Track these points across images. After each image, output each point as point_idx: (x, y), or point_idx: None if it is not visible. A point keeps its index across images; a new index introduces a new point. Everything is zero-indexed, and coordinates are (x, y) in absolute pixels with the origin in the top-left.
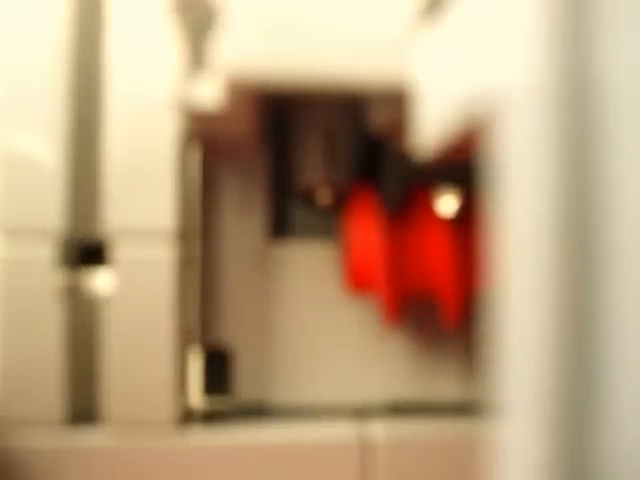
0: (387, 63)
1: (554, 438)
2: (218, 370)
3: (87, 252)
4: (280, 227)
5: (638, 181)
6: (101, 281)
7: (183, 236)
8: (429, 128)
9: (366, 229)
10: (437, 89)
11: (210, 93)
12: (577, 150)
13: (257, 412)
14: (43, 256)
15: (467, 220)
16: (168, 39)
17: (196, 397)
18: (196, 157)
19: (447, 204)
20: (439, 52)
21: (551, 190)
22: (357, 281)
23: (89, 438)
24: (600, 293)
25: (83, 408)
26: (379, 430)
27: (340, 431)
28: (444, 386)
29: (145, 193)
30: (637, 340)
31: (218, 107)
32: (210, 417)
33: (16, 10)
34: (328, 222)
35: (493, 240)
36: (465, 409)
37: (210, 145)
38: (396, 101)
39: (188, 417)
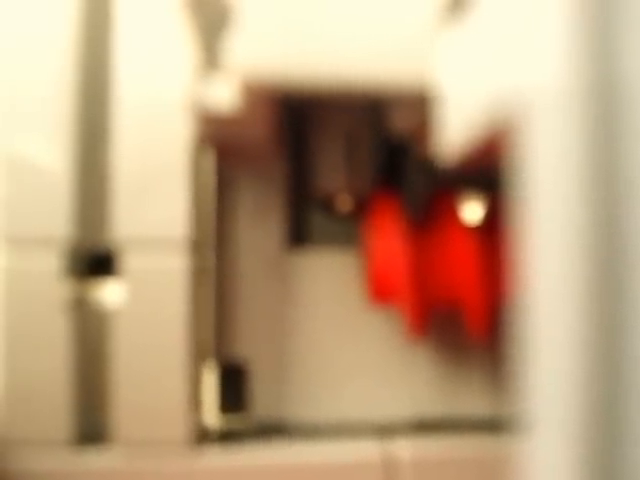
0: (409, 64)
1: (584, 453)
2: (234, 386)
3: (95, 262)
4: (298, 235)
5: None
6: (110, 292)
7: (196, 245)
8: (453, 132)
9: (388, 237)
10: (461, 91)
11: (225, 95)
12: (606, 153)
13: (275, 431)
14: (49, 266)
15: (493, 227)
16: (180, 39)
17: (211, 415)
18: (210, 162)
19: (472, 211)
20: (462, 54)
21: (580, 195)
22: (379, 291)
23: (98, 459)
24: (631, 302)
25: (91, 427)
26: (404, 448)
27: (363, 449)
28: (470, 401)
29: (156, 200)
30: None
31: (233, 109)
32: (226, 436)
33: (23, 13)
34: (348, 230)
35: (521, 248)
36: (492, 425)
37: (225, 149)
38: (419, 104)
39: (203, 436)
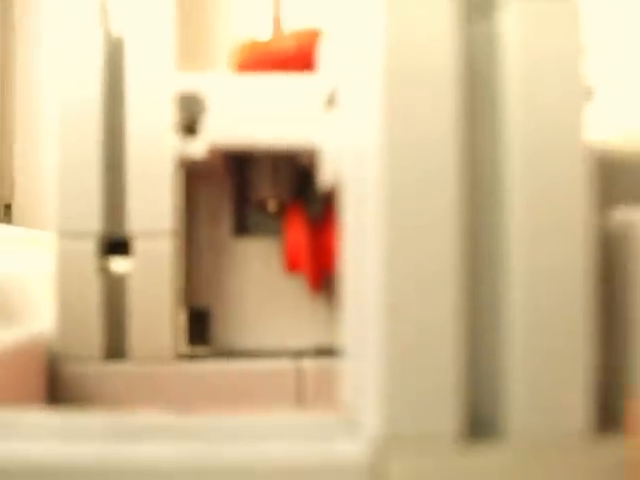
0: (306, 132)
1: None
2: (199, 326)
3: (116, 245)
4: (241, 227)
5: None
6: (125, 264)
7: (176, 233)
8: (326, 171)
9: (298, 229)
10: (330, 148)
11: (197, 151)
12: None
13: (227, 355)
14: (87, 248)
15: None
16: (172, 116)
17: (184, 345)
18: (181, 178)
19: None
20: (332, 127)
21: (361, 214)
22: (292, 263)
23: (119, 367)
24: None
25: (114, 347)
26: (309, 364)
27: (283, 364)
28: None
29: (155, 205)
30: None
31: (201, 158)
32: (195, 357)
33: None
34: (275, 224)
35: (342, 238)
36: None
37: (191, 172)
38: (313, 151)
39: (181, 356)
